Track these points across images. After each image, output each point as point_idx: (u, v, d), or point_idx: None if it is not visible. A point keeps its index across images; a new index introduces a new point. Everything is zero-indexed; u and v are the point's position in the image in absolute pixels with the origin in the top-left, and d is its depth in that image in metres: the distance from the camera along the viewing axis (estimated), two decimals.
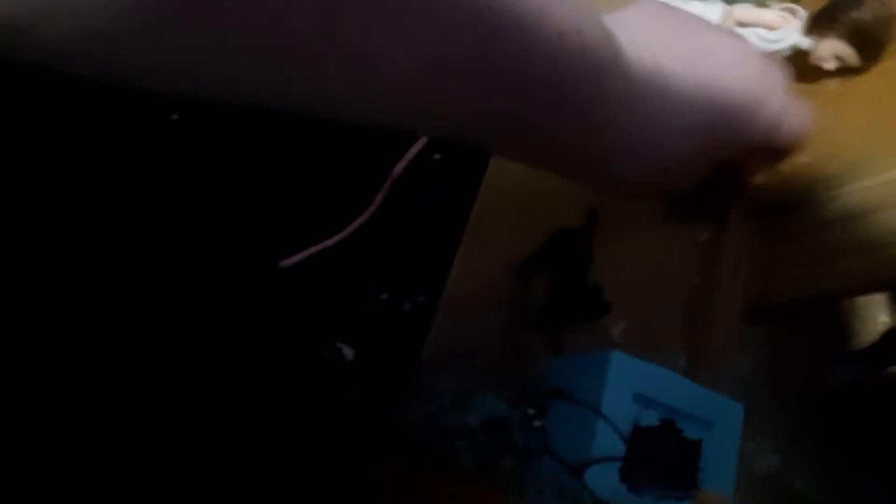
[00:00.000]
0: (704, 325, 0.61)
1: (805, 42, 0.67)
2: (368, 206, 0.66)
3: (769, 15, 0.68)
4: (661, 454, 0.52)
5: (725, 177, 0.58)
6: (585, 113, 0.42)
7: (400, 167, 0.70)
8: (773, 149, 0.57)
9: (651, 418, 0.52)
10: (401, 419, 0.55)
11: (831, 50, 0.66)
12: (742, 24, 0.70)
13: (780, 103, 0.53)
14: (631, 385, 0.51)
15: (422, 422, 0.55)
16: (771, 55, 0.65)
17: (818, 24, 0.67)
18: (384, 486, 0.54)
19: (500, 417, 0.53)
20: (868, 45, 0.64)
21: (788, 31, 0.67)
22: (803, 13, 0.68)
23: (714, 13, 0.70)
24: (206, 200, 0.62)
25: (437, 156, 0.70)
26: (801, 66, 0.67)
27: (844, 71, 0.67)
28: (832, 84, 0.68)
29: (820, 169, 0.63)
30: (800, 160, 0.61)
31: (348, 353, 0.58)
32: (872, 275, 0.57)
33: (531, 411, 0.52)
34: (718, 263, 0.63)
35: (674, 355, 0.59)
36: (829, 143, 0.62)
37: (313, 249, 0.63)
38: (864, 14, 0.64)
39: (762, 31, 0.69)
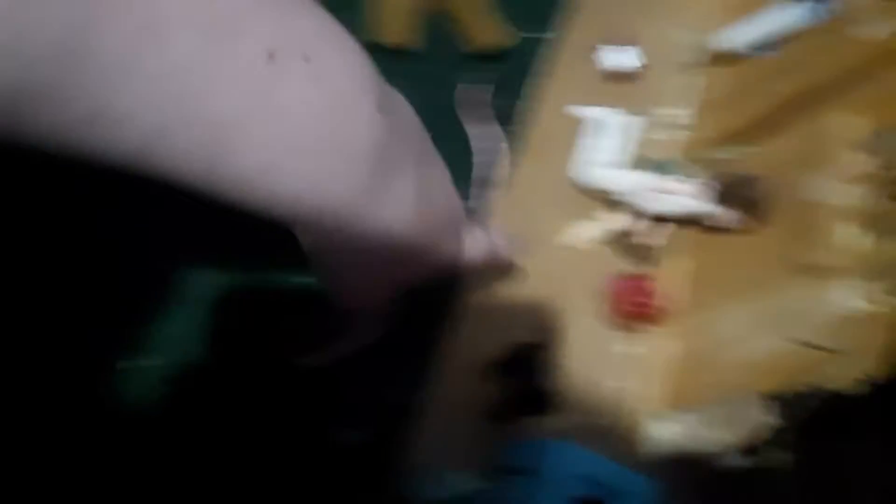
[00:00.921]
0: (627, 418, 0.81)
1: (710, 209, 0.90)
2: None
3: (686, 187, 0.92)
4: None
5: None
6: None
7: None
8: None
9: (586, 490, 0.70)
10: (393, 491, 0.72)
11: (728, 215, 0.90)
12: (664, 192, 0.93)
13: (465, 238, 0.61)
14: (570, 466, 0.70)
15: (411, 494, 0.72)
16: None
17: (719, 195, 0.91)
18: None
19: (471, 491, 0.71)
20: (752, 213, 0.88)
21: (702, 199, 0.91)
22: (709, 188, 0.92)
23: (646, 183, 0.93)
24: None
25: None
26: (704, 226, 0.91)
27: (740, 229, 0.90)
28: (729, 237, 0.92)
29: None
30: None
31: (354, 436, 0.75)
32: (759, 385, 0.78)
33: (493, 486, 0.70)
34: (637, 373, 0.84)
35: (603, 442, 0.78)
36: (717, 281, 0.85)
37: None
38: (751, 192, 0.88)
39: (681, 197, 0.92)
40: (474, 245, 0.71)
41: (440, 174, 0.58)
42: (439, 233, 0.54)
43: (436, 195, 0.52)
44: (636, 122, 1.03)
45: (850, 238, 0.79)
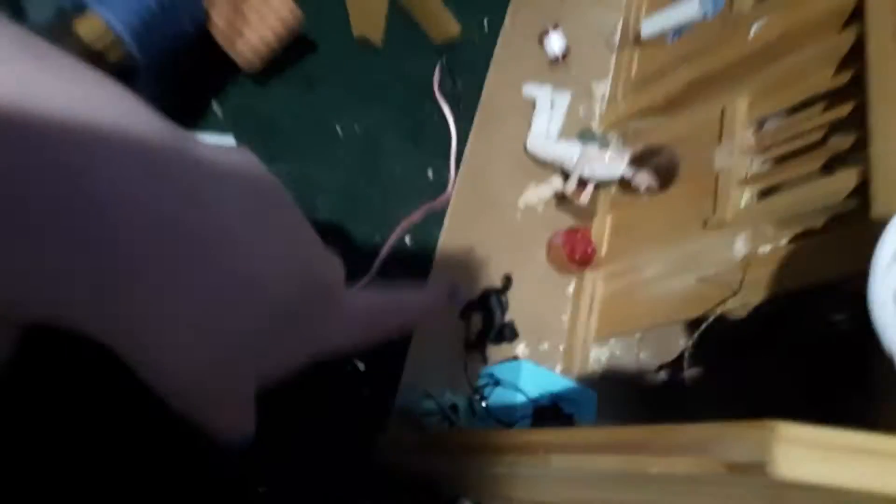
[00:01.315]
0: (573, 344, 1.03)
1: (629, 173, 1.10)
2: None
3: (609, 154, 1.12)
4: (550, 423, 0.91)
5: None
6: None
7: None
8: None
9: (544, 401, 0.91)
10: (397, 406, 0.90)
11: (642, 179, 1.10)
12: (592, 159, 1.12)
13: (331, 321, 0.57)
14: (533, 382, 0.90)
15: (411, 407, 0.90)
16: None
17: (635, 162, 1.11)
18: (387, 446, 0.88)
19: (458, 402, 0.90)
20: (663, 177, 1.09)
21: (621, 165, 1.11)
22: (627, 155, 1.12)
23: (574, 152, 1.12)
24: None
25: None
26: (625, 187, 1.11)
27: (653, 191, 1.11)
28: (644, 198, 1.12)
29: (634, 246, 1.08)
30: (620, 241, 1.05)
31: (361, 365, 0.91)
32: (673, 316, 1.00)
33: (478, 397, 0.90)
34: (579, 308, 1.05)
35: (555, 363, 0.99)
36: (638, 233, 1.07)
37: None
38: (662, 159, 1.09)
39: (604, 164, 1.12)
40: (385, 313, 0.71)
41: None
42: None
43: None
44: (566, 97, 1.21)
45: (742, 197, 1.02)
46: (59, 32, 0.63)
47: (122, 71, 0.68)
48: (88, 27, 0.64)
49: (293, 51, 0.95)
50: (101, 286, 0.39)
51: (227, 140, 0.87)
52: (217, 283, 0.44)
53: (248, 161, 0.48)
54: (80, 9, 0.67)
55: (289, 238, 0.50)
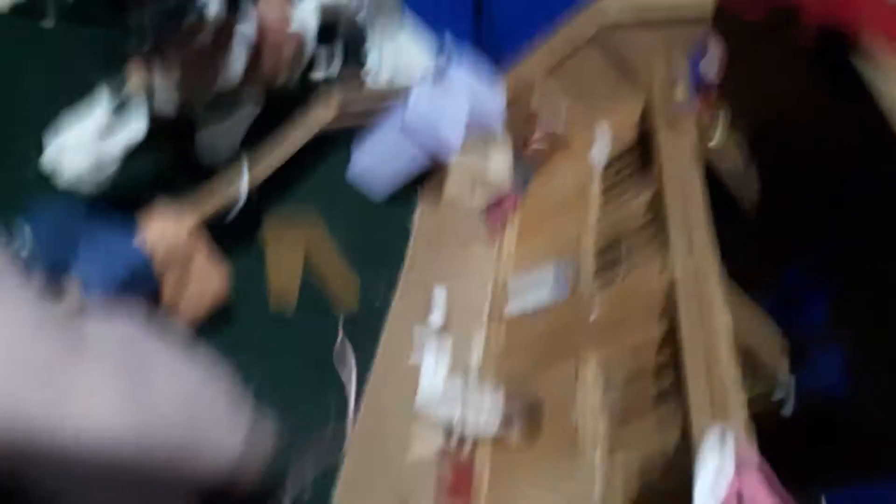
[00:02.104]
0: None
1: (502, 426, 1.27)
2: None
3: (486, 409, 1.29)
4: None
5: None
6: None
7: None
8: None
9: None
10: None
11: (514, 431, 1.27)
12: (471, 414, 1.28)
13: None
14: None
15: None
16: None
17: (507, 415, 1.28)
18: None
19: None
20: (531, 429, 1.26)
21: (496, 419, 1.27)
22: (501, 409, 1.29)
23: (457, 408, 1.29)
24: None
25: None
26: (499, 439, 1.27)
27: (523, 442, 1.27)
28: (517, 449, 1.28)
29: None
30: None
31: None
32: None
33: None
34: None
35: None
36: (511, 483, 1.20)
37: None
38: (530, 413, 1.27)
39: (482, 418, 1.28)
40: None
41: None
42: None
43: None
44: (447, 359, 1.41)
45: (596, 452, 1.20)
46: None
47: None
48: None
49: (216, 316, 1.09)
50: None
51: None
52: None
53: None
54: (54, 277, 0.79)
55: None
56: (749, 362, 1.36)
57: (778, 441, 1.13)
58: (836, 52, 1.45)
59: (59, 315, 0.47)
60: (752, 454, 0.93)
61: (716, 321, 1.18)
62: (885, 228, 1.60)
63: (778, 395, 1.48)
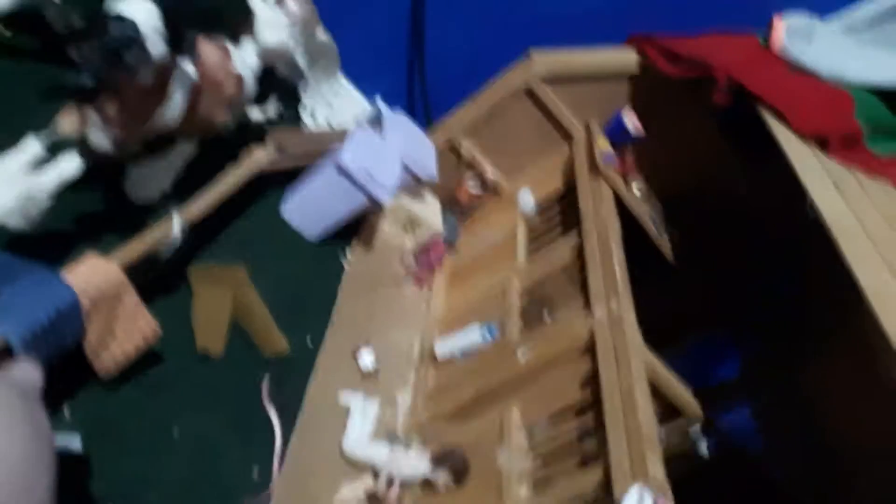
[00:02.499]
0: None
1: (429, 472, 1.28)
2: None
3: (413, 456, 1.30)
4: None
5: None
6: None
7: None
8: None
9: None
10: None
11: (441, 477, 1.28)
12: (398, 460, 1.29)
13: None
14: None
15: None
16: None
17: (434, 462, 1.30)
18: None
19: None
20: (457, 475, 1.28)
21: (423, 465, 1.29)
22: (427, 456, 1.30)
23: (383, 453, 1.29)
24: None
25: None
26: (427, 485, 1.29)
27: (450, 488, 1.29)
28: (444, 495, 1.29)
29: None
30: None
31: None
32: None
33: None
34: None
35: None
36: None
37: None
38: (456, 459, 1.29)
39: (410, 464, 1.29)
40: None
41: None
42: None
43: None
44: (375, 404, 1.42)
45: (521, 492, 1.23)
46: None
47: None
48: None
49: (143, 359, 1.07)
50: None
51: (74, 441, 0.93)
52: None
53: None
54: None
55: None
56: (664, 403, 1.44)
57: (696, 488, 1.20)
58: (745, 112, 1.58)
59: None
60: None
61: (632, 361, 1.25)
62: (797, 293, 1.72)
63: (692, 437, 1.56)
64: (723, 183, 1.82)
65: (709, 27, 1.72)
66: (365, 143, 1.54)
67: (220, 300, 1.25)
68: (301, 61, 1.63)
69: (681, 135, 1.81)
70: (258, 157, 1.35)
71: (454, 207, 1.91)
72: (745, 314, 1.95)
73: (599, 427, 1.23)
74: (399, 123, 1.72)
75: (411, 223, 1.78)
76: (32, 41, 1.26)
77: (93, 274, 0.92)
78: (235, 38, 1.32)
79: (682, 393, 1.45)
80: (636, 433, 1.16)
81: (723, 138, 1.77)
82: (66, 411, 0.97)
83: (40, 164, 0.98)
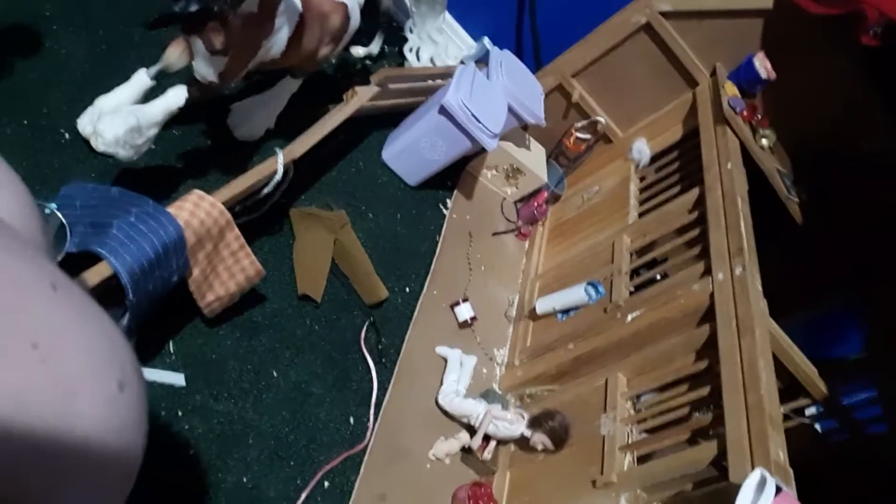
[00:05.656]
0: None
1: (527, 433, 1.23)
2: None
3: (510, 415, 1.25)
4: None
5: None
6: None
7: None
8: None
9: None
10: None
11: (539, 439, 1.22)
12: (495, 418, 1.24)
13: None
14: None
15: None
16: None
17: (532, 424, 1.24)
18: None
19: None
20: (557, 440, 1.22)
21: (520, 425, 1.23)
22: (526, 417, 1.25)
23: (479, 410, 1.24)
24: None
25: None
26: (524, 446, 1.23)
27: (548, 451, 1.23)
28: (541, 456, 1.24)
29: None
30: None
31: None
32: None
33: None
34: None
35: None
36: (536, 490, 1.15)
37: None
38: (556, 423, 1.23)
39: (506, 423, 1.24)
40: None
41: None
42: None
43: None
44: (472, 359, 1.37)
45: (624, 462, 1.16)
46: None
47: (110, 304, 0.75)
48: (96, 272, 0.72)
49: (244, 300, 1.05)
50: None
51: (178, 379, 0.92)
52: None
53: None
54: (86, 252, 0.75)
55: None
56: (787, 378, 1.32)
57: (812, 473, 1.08)
58: None
59: None
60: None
61: (756, 331, 1.13)
62: None
63: (813, 412, 1.43)
64: (864, 135, 1.62)
65: None
66: (470, 83, 1.45)
67: (321, 244, 1.22)
68: None
69: (818, 80, 1.61)
70: (361, 96, 1.29)
71: (560, 156, 1.80)
72: (878, 285, 1.76)
73: (715, 400, 1.13)
74: (506, 63, 1.61)
75: (514, 171, 1.69)
76: None
77: (198, 209, 0.90)
78: None
79: (807, 369, 1.32)
80: (757, 410, 1.06)
81: (868, 84, 1.56)
82: (172, 347, 0.96)
83: (149, 95, 0.96)
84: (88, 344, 0.35)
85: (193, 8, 0.86)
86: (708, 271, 1.27)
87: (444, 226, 1.54)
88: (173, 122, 0.98)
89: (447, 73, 1.51)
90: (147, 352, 0.92)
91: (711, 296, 1.22)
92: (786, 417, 1.33)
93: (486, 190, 1.72)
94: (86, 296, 0.37)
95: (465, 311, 1.43)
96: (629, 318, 1.31)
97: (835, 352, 1.96)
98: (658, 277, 1.42)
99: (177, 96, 0.95)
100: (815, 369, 1.34)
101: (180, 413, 0.94)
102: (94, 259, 0.77)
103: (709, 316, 1.22)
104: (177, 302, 0.94)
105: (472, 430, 1.27)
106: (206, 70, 0.95)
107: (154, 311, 0.87)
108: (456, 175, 1.64)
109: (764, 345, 1.13)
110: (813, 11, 1.46)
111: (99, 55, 1.10)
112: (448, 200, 1.60)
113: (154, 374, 0.90)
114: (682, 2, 1.56)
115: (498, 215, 1.71)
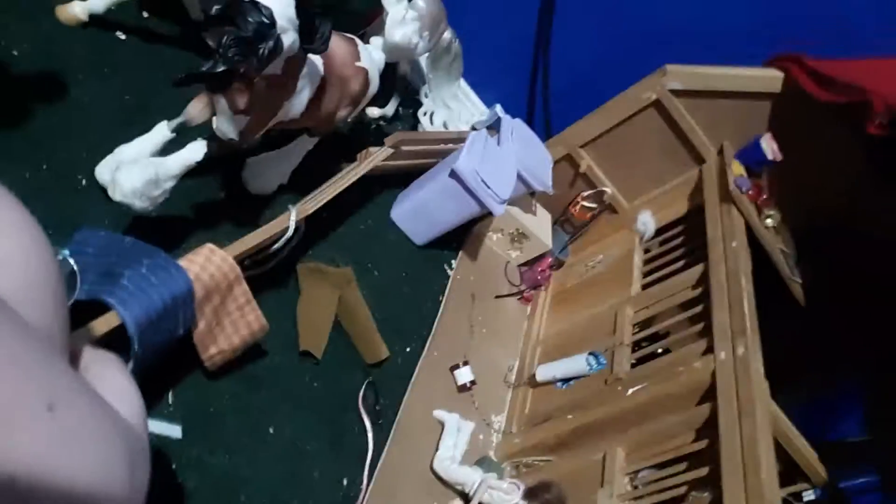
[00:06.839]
0: None
1: None
2: None
3: (505, 485, 1.23)
4: None
5: None
6: None
7: None
8: None
9: None
10: None
11: None
12: (490, 487, 1.22)
13: None
14: None
15: None
16: None
17: (528, 495, 1.21)
18: None
19: None
20: None
21: (516, 496, 1.21)
22: (521, 488, 1.23)
23: (475, 478, 1.22)
24: None
25: None
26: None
27: None
28: None
29: None
30: None
31: None
32: None
33: None
34: None
35: None
36: None
37: None
38: (552, 496, 1.20)
39: (501, 493, 1.22)
40: None
41: None
42: None
43: None
44: (470, 425, 1.35)
45: None
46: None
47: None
48: (104, 322, 0.73)
49: (246, 354, 1.05)
50: None
51: (175, 431, 0.91)
52: None
53: None
54: (95, 301, 0.76)
55: None
56: (786, 462, 1.30)
57: None
58: None
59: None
60: None
61: (757, 413, 1.12)
62: None
63: (811, 498, 1.41)
64: (868, 217, 1.64)
65: (854, 54, 1.54)
66: (481, 149, 1.48)
67: (326, 300, 1.22)
68: (424, 61, 1.59)
69: (823, 163, 1.64)
70: (375, 158, 1.32)
71: (566, 223, 1.82)
72: (879, 366, 1.75)
73: (714, 481, 1.12)
74: (517, 131, 1.64)
75: (520, 236, 1.71)
76: (169, 26, 1.27)
77: (209, 264, 0.91)
78: (363, 32, 1.29)
79: (807, 454, 1.30)
80: (756, 494, 1.04)
81: (873, 169, 1.59)
82: (171, 398, 0.96)
83: (168, 146, 0.98)
84: (80, 468, 0.35)
85: (221, 68, 0.89)
86: (710, 349, 1.27)
87: (448, 286, 1.54)
88: (189, 173, 1.00)
89: (460, 139, 1.54)
90: (146, 400, 0.91)
91: (713, 374, 1.22)
92: (784, 502, 1.31)
93: (491, 252, 1.74)
94: (89, 404, 0.37)
95: (464, 375, 1.43)
96: (629, 391, 1.31)
97: (833, 433, 1.94)
98: (660, 351, 1.42)
99: (196, 151, 0.97)
100: (815, 454, 1.33)
101: (174, 466, 0.93)
102: (103, 306, 0.78)
103: (710, 395, 1.21)
104: (179, 352, 0.94)
105: (466, 498, 1.25)
106: (227, 128, 0.97)
107: (157, 362, 0.87)
108: (462, 236, 1.65)
109: (764, 427, 1.12)
110: (820, 98, 1.49)
111: (122, 104, 1.13)
112: (453, 261, 1.61)
113: (151, 426, 0.90)
114: (693, 82, 1.60)
115: (501, 278, 1.72)
